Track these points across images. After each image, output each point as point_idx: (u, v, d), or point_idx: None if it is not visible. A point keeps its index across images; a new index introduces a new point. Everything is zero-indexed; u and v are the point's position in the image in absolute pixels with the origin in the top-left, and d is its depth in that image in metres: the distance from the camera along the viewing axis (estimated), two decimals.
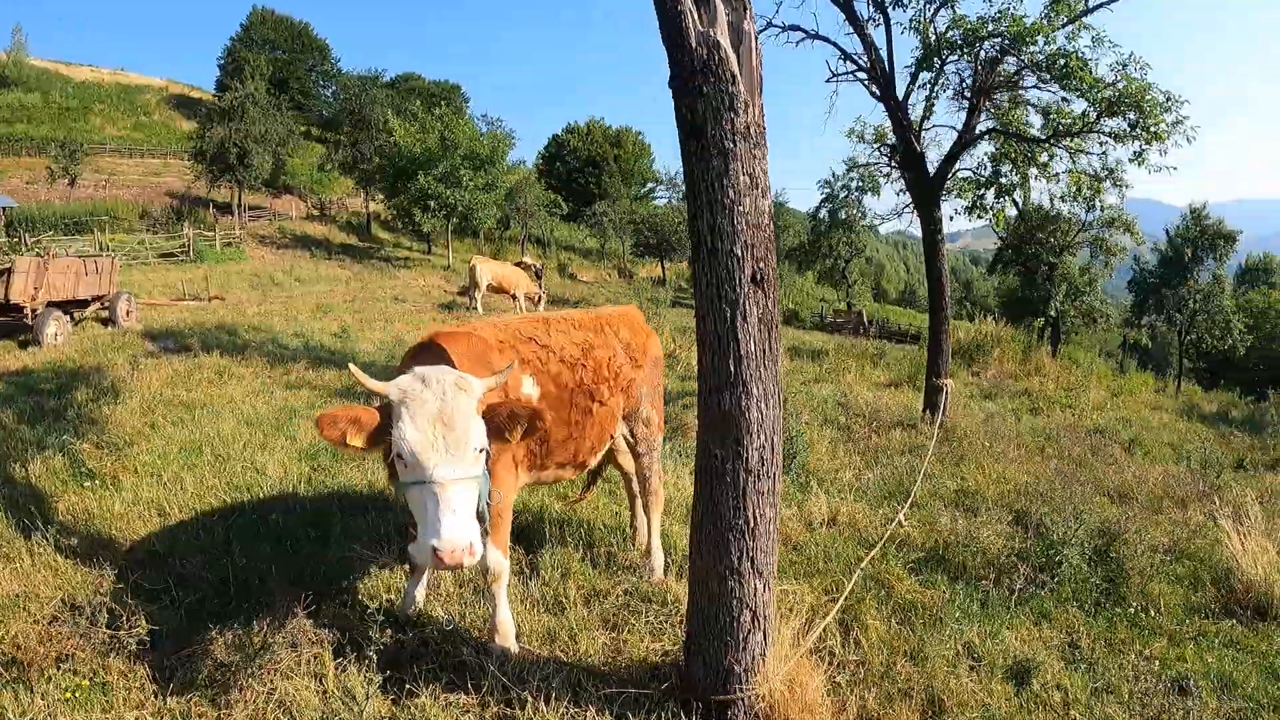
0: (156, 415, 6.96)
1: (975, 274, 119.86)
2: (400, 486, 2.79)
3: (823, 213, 41.44)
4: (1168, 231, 32.76)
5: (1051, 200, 19.66)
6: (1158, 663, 3.68)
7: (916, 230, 10.03)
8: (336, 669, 3.14)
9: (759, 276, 2.89)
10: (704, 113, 2.77)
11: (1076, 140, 8.78)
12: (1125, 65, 7.72)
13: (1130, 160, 8.04)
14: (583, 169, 53.99)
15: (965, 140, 9.38)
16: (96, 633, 3.27)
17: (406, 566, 4.01)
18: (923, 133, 9.64)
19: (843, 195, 40.17)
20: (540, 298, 20.92)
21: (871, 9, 9.44)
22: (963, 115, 9.53)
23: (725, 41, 2.77)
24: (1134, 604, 4.27)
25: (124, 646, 3.15)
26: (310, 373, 9.37)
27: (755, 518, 2.95)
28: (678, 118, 2.88)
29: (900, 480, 6.44)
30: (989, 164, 9.78)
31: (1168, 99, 7.52)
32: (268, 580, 3.90)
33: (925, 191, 9.52)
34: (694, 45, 2.74)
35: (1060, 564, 4.61)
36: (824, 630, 3.63)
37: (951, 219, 10.21)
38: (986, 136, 9.58)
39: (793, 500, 5.67)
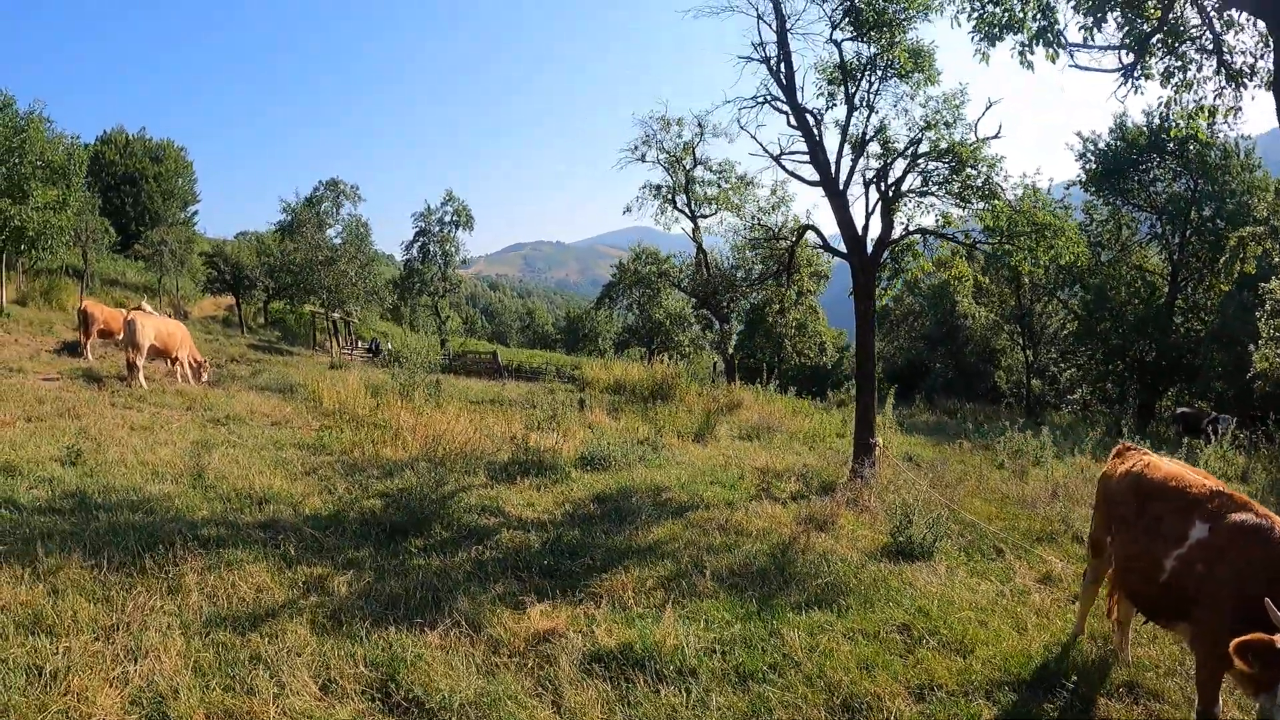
0: None
1: (522, 305, 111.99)
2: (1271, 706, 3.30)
3: (415, 248, 41.16)
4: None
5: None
6: None
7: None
8: None
9: None
10: None
11: (996, 244, 10.34)
12: (1035, 191, 10.13)
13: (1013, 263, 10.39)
14: (118, 187, 42.91)
15: (889, 234, 10.38)
16: None
17: None
18: (867, 225, 10.32)
19: (437, 230, 41.05)
20: (205, 364, 15.47)
21: (837, 102, 10.32)
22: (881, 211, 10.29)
23: None
24: None
25: None
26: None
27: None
28: None
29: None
30: (891, 254, 10.93)
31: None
32: None
33: (864, 273, 10.16)
34: None
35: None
36: None
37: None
38: (921, 233, 10.70)
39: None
